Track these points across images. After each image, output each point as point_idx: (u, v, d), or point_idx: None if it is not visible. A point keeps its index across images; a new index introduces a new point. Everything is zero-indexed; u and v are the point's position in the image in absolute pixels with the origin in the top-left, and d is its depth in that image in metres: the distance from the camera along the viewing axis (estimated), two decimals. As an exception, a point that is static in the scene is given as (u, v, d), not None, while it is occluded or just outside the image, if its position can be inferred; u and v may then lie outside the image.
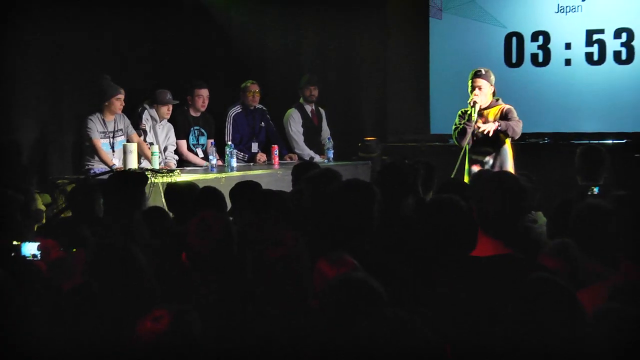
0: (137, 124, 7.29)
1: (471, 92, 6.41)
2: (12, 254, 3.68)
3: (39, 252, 3.68)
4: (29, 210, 6.36)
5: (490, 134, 6.30)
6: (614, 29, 8.34)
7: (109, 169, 6.71)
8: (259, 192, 4.46)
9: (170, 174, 6.31)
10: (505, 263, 2.89)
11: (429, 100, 9.06)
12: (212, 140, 7.82)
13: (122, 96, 6.99)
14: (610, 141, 8.17)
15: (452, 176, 6.25)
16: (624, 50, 8.33)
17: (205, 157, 7.66)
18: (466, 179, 6.29)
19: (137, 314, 2.55)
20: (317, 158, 8.14)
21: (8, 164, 7.14)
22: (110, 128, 7.01)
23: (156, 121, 7.46)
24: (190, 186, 5.10)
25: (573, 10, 8.51)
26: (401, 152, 8.38)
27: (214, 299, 3.10)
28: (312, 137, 8.45)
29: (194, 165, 7.61)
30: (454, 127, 6.48)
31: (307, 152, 8.27)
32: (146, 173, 5.83)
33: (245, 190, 4.66)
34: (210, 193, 4.66)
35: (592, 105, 8.45)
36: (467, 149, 6.45)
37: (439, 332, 2.61)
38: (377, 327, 2.08)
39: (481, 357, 2.54)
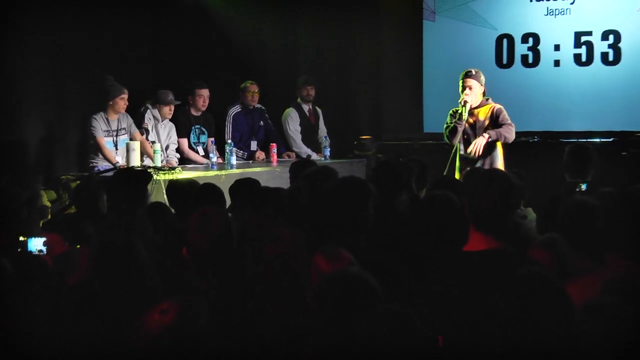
0: (139, 123, 7.28)
1: (462, 91, 6.44)
2: (19, 249, 3.68)
3: (45, 247, 3.67)
4: (34, 206, 6.36)
5: (481, 152, 6.31)
6: (602, 31, 8.34)
7: (112, 167, 6.70)
8: (258, 189, 4.46)
9: (172, 171, 6.31)
10: (496, 257, 2.90)
11: (422, 100, 9.06)
12: (213, 139, 7.81)
13: (125, 96, 7.00)
14: (597, 140, 8.17)
15: (445, 173, 6.26)
16: (611, 51, 8.34)
17: (206, 155, 7.66)
18: (457, 176, 6.30)
19: (139, 308, 2.54)
20: (314, 156, 8.14)
21: (14, 162, 7.14)
22: (114, 127, 7.01)
23: (158, 120, 7.46)
24: (191, 183, 5.10)
25: (562, 13, 8.51)
26: (395, 150, 8.38)
27: (213, 294, 3.09)
28: (310, 136, 8.45)
29: (195, 162, 7.61)
30: (445, 126, 6.51)
31: (305, 150, 8.27)
32: (149, 170, 5.83)
33: (244, 187, 4.65)
34: (209, 190, 4.66)
35: (580, 104, 8.46)
36: (458, 147, 6.48)
37: (432, 325, 2.61)
38: (373, 321, 2.08)
39: (473, 350, 2.54)
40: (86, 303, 2.89)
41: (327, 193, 3.57)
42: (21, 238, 3.74)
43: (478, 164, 6.39)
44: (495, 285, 2.46)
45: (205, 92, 7.74)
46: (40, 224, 5.48)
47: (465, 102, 6.38)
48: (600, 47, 8.36)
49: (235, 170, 6.96)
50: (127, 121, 7.12)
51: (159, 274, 3.11)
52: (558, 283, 2.28)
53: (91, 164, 6.97)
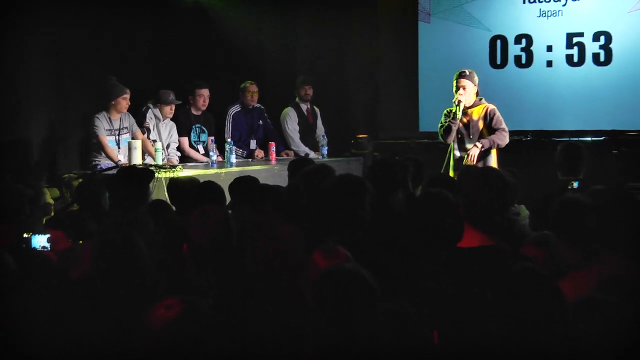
0: (141, 122, 7.28)
1: (456, 91, 6.45)
2: (24, 246, 3.67)
3: (49, 243, 3.66)
4: (37, 204, 6.36)
5: (475, 162, 6.32)
6: (593, 32, 8.34)
7: (114, 165, 6.70)
8: (257, 187, 4.45)
9: (173, 169, 6.30)
10: (490, 254, 2.90)
11: (418, 100, 9.05)
12: (213, 138, 7.81)
13: (127, 96, 7.00)
14: (589, 138, 8.17)
15: (442, 171, 6.27)
16: (602, 52, 8.34)
17: (206, 154, 7.66)
18: (452, 175, 6.30)
19: (140, 303, 2.53)
20: (312, 154, 8.13)
21: (18, 161, 7.13)
22: (116, 126, 7.01)
23: (159, 120, 7.45)
24: (191, 181, 5.09)
25: (554, 14, 8.51)
26: (391, 149, 8.39)
27: (213, 292, 3.08)
28: (308, 135, 8.44)
29: (196, 161, 7.60)
30: (439, 125, 6.52)
31: (303, 149, 8.26)
32: (150, 168, 5.82)
33: (243, 185, 4.65)
34: (209, 187, 4.65)
35: (572, 104, 8.46)
36: (452, 146, 6.49)
37: (427, 321, 2.61)
38: (373, 321, 2.07)
39: (467, 345, 2.54)
40: (88, 298, 2.89)
41: (325, 191, 3.56)
42: (25, 235, 3.73)
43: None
44: (489, 281, 2.46)
45: (205, 92, 7.74)
46: (44, 221, 5.48)
47: (459, 101, 6.40)
48: (591, 48, 8.36)
49: (234, 169, 6.95)
50: (129, 120, 7.11)
51: (160, 270, 3.10)
52: (551, 279, 2.27)
53: (94, 162, 6.96)
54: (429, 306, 2.82)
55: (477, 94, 6.53)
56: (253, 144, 8.14)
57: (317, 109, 8.65)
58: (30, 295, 2.88)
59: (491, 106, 6.48)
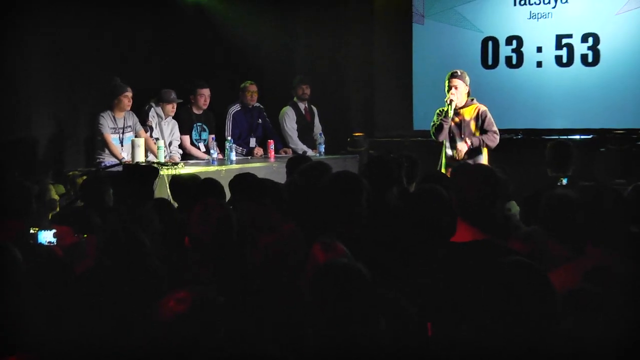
0: (144, 120, 7.27)
1: (448, 91, 6.46)
2: (30, 241, 3.67)
3: (55, 238, 3.66)
4: (43, 200, 6.36)
5: (461, 157, 6.34)
6: (581, 34, 8.35)
7: (118, 162, 6.70)
8: (256, 183, 4.45)
9: (175, 166, 6.30)
10: (483, 248, 2.90)
11: (412, 99, 9.05)
12: (213, 136, 7.81)
13: (129, 94, 7.00)
14: (577, 137, 8.18)
15: (437, 168, 6.29)
16: (590, 53, 8.34)
17: (207, 151, 7.66)
18: (443, 171, 6.32)
19: (144, 298, 2.52)
20: (310, 152, 8.13)
21: (25, 158, 7.13)
22: (120, 124, 7.01)
23: (162, 118, 7.45)
24: (193, 178, 5.09)
25: (544, 16, 8.52)
26: (387, 147, 8.39)
27: (214, 287, 3.07)
28: (305, 133, 8.44)
29: (197, 158, 7.59)
30: (432, 123, 6.53)
31: (301, 147, 8.26)
32: (154, 166, 5.83)
33: (243, 181, 4.65)
34: (210, 184, 4.65)
35: (561, 103, 8.47)
36: (445, 144, 6.51)
37: (421, 312, 2.61)
38: (372, 320, 2.05)
39: (460, 337, 2.54)
40: (93, 291, 2.88)
41: (322, 188, 3.56)
42: (32, 230, 3.73)
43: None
44: (481, 274, 2.47)
45: (206, 92, 7.74)
46: (50, 216, 5.48)
47: (451, 100, 6.40)
48: (580, 49, 8.36)
49: (234, 166, 6.95)
50: (133, 119, 7.11)
51: (163, 264, 3.10)
52: (541, 271, 2.28)
53: (98, 160, 6.96)
54: (422, 299, 2.83)
55: (469, 94, 6.53)
56: (252, 142, 8.14)
57: (314, 108, 8.64)
58: (37, 288, 2.88)
59: (483, 107, 6.48)
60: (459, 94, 6.42)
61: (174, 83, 7.64)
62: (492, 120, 6.44)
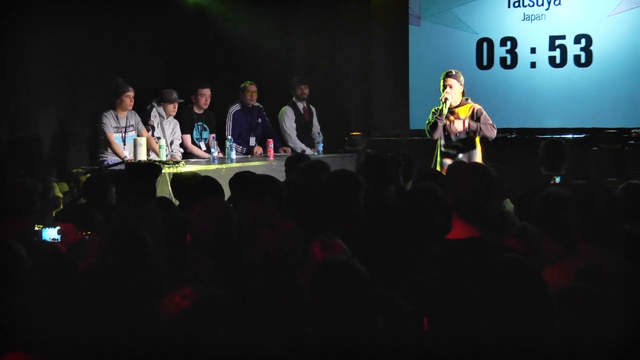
0: (146, 120, 7.27)
1: (443, 90, 6.46)
2: (35, 238, 3.66)
3: (59, 235, 3.66)
4: (47, 197, 6.35)
5: (459, 131, 6.33)
6: (574, 35, 8.35)
7: (120, 161, 6.70)
8: (256, 181, 4.44)
9: (176, 165, 6.30)
10: (477, 244, 2.90)
11: (408, 99, 9.05)
12: (214, 135, 7.80)
13: (131, 93, 6.99)
14: (570, 136, 8.18)
15: (432, 166, 6.28)
16: (583, 54, 8.35)
17: (208, 150, 7.66)
18: (438, 169, 6.32)
19: (146, 294, 2.51)
20: (308, 151, 8.13)
21: (29, 156, 7.12)
22: (122, 124, 7.00)
23: (163, 118, 7.44)
24: (193, 176, 5.08)
25: (538, 18, 8.52)
26: (384, 146, 8.40)
27: (214, 284, 3.06)
28: (304, 132, 8.44)
29: (198, 157, 7.59)
30: (427, 122, 6.53)
31: (299, 146, 8.26)
32: (156, 164, 5.82)
33: (243, 179, 4.64)
34: (210, 182, 4.64)
35: (555, 103, 8.47)
36: (439, 142, 6.51)
37: (417, 308, 2.61)
38: (371, 320, 2.04)
39: (455, 333, 2.54)
40: (96, 288, 2.87)
41: (320, 187, 3.56)
42: (36, 227, 3.73)
43: (459, 157, 6.40)
44: (476, 271, 2.46)
45: (207, 92, 7.74)
46: (54, 214, 5.47)
47: (446, 99, 6.41)
48: (573, 50, 8.37)
49: (234, 164, 6.95)
50: (135, 119, 7.11)
51: (165, 262, 3.09)
52: (535, 269, 2.27)
53: (101, 158, 6.95)
54: (418, 294, 2.83)
55: (464, 94, 6.53)
56: (252, 141, 8.14)
57: (313, 108, 8.64)
58: (41, 285, 2.87)
59: (477, 106, 6.48)
60: (453, 92, 6.43)
61: (175, 83, 7.63)
62: (488, 116, 6.43)
